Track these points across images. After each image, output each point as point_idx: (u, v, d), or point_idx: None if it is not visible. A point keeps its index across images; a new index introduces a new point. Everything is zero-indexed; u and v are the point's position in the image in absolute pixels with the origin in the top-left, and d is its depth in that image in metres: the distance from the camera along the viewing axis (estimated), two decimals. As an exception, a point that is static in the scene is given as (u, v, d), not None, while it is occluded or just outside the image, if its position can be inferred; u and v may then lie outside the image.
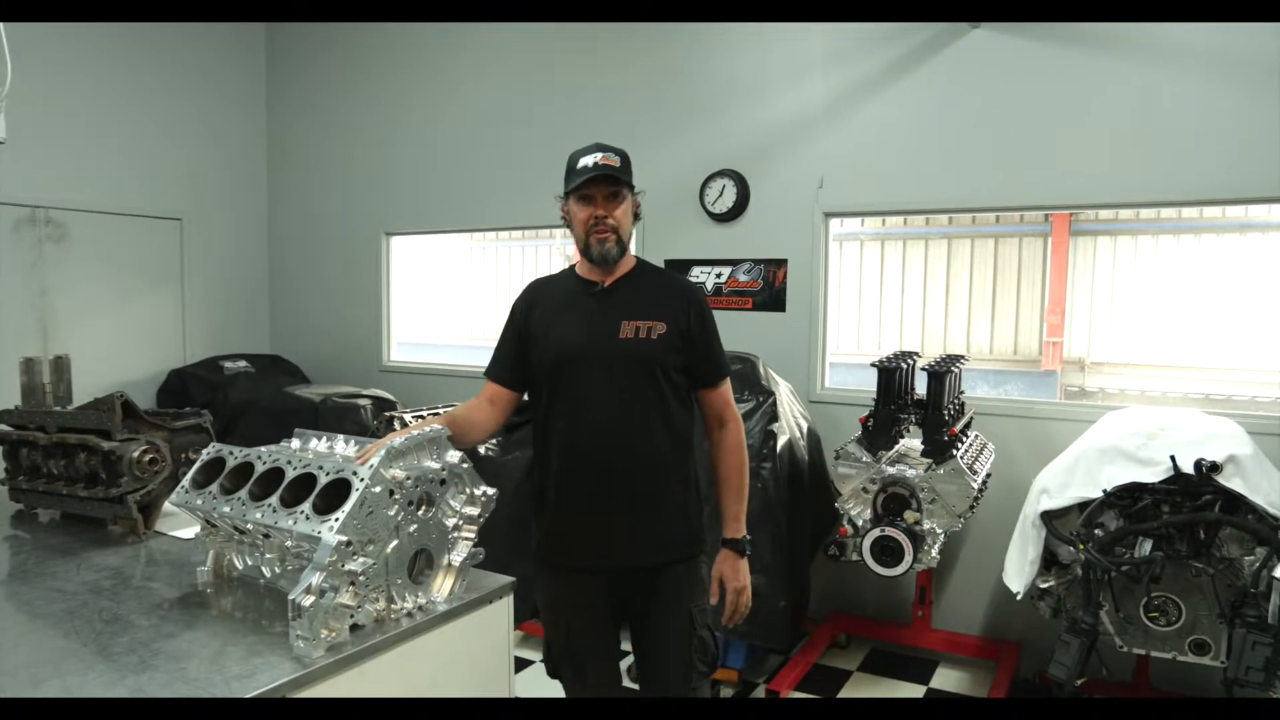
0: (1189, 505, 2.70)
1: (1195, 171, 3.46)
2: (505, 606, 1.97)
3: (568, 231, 2.27)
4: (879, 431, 3.35)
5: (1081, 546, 2.76)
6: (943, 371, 3.32)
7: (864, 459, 3.36)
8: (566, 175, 2.18)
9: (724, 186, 4.30)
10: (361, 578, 1.62)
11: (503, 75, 5.07)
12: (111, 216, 5.21)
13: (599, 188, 2.13)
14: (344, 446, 1.96)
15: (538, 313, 2.24)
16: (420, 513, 1.77)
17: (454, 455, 1.85)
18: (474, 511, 1.88)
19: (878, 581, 4.03)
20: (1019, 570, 2.95)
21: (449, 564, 1.85)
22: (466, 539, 1.88)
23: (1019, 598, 2.94)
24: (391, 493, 1.69)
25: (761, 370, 3.61)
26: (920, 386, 3.55)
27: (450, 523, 1.84)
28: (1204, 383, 7.90)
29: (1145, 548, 2.69)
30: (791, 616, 3.44)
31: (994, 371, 9.54)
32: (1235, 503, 2.66)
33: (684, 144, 4.46)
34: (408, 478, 1.71)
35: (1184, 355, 8.33)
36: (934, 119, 3.91)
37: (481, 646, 1.93)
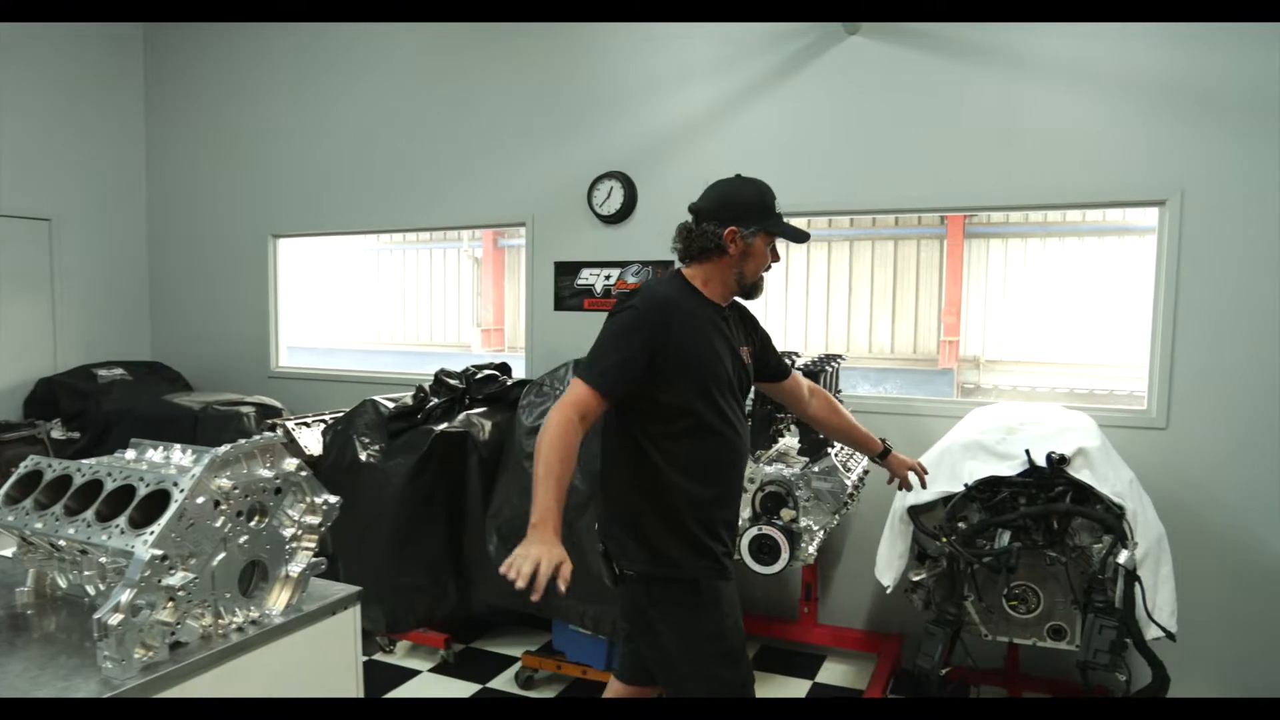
0: (1043, 497, 2.81)
1: (1058, 175, 3.60)
2: (351, 618, 1.91)
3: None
4: (757, 431, 3.38)
5: (945, 540, 2.85)
6: (816, 370, 3.37)
7: (744, 458, 3.38)
8: (762, 211, 2.27)
9: (612, 188, 4.30)
10: (181, 593, 1.55)
11: (393, 75, 4.97)
12: (-28, 217, 4.93)
13: None
14: (180, 456, 1.87)
15: (681, 333, 2.15)
16: (253, 524, 1.71)
17: (290, 463, 1.79)
18: (314, 521, 1.82)
19: (765, 579, 4.09)
20: (888, 564, 3.02)
21: (286, 576, 1.78)
22: (307, 549, 1.82)
23: (889, 591, 3.01)
24: (217, 503, 1.63)
25: (643, 372, 3.61)
26: (799, 386, 3.60)
27: (288, 533, 1.78)
28: (1088, 378, 8.29)
29: (1004, 539, 2.79)
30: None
31: (895, 370, 9.82)
32: (1085, 493, 2.78)
33: (573, 145, 4.45)
34: (234, 487, 1.65)
35: (1070, 352, 8.72)
36: (814, 123, 3.98)
37: (324, 659, 1.86)
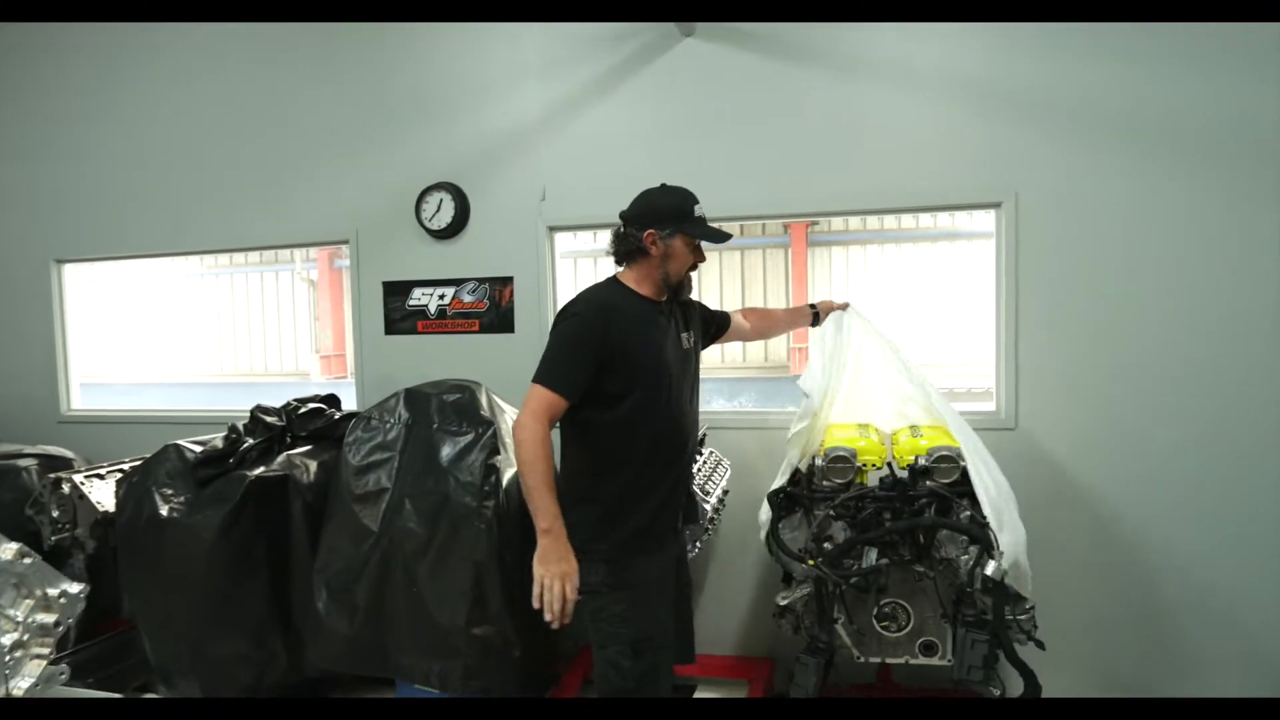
0: (907, 510, 2.70)
1: (897, 179, 3.56)
2: (108, 735, 1.53)
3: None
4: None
5: (812, 561, 2.70)
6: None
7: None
8: (678, 215, 2.47)
9: (441, 200, 3.96)
10: None
11: (200, 84, 4.44)
12: None
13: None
14: None
15: (622, 330, 2.38)
16: (-48, 634, 1.31)
17: (8, 550, 1.40)
18: (48, 619, 1.43)
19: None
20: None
21: (8, 694, 1.39)
22: (38, 656, 1.43)
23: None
24: (-109, 615, 1.23)
25: (483, 399, 3.30)
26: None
27: (8, 640, 1.38)
28: (943, 378, 8.58)
29: (871, 557, 2.67)
30: (531, 661, 3.15)
31: (749, 380, 9.88)
32: (947, 502, 2.70)
33: (398, 155, 4.09)
34: (-83, 592, 1.25)
35: (920, 353, 9.01)
36: (649, 129, 3.80)
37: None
